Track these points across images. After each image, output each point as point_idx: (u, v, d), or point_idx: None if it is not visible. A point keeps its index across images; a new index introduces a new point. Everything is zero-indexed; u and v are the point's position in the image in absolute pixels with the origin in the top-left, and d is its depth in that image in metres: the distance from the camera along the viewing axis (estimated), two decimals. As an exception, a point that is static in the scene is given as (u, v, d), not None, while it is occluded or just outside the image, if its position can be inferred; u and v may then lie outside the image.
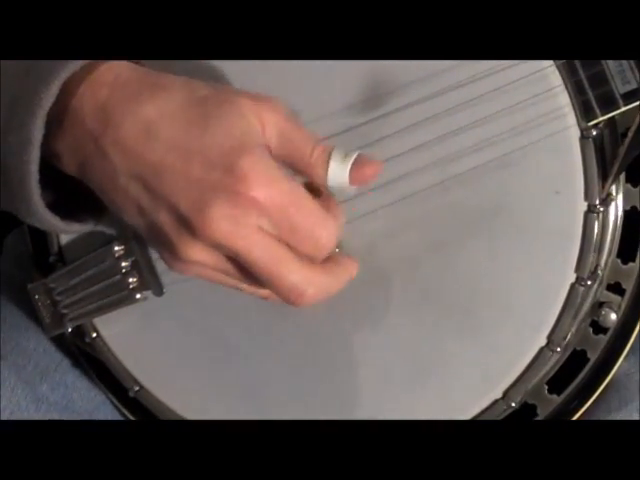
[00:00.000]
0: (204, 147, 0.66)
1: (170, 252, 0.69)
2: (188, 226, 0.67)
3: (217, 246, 0.67)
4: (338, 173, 0.69)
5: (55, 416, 0.86)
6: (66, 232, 0.79)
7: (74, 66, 0.68)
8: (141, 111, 0.68)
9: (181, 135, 0.67)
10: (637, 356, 0.84)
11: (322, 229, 0.67)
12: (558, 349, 0.76)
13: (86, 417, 0.88)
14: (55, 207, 0.73)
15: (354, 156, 0.69)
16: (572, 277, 0.75)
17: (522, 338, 0.76)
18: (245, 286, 0.71)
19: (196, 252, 0.68)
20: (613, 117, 0.72)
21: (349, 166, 0.69)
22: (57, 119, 0.69)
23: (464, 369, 0.78)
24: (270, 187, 0.66)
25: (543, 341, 0.76)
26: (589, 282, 0.75)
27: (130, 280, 0.81)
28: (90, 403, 0.89)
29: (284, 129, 0.69)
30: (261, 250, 0.67)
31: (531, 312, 0.75)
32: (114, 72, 0.69)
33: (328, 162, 0.69)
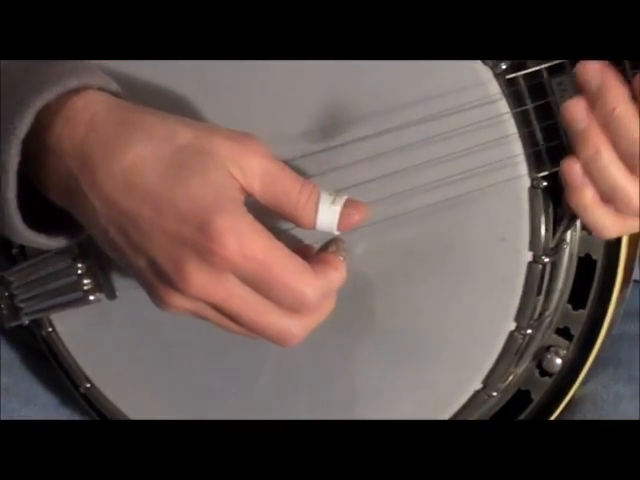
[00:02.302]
0: (177, 199, 0.66)
1: (152, 294, 0.70)
2: (166, 279, 0.67)
3: (196, 299, 0.67)
4: (327, 220, 0.68)
5: (16, 407, 0.88)
6: (51, 248, 0.77)
7: (47, 96, 0.68)
8: (117, 157, 0.67)
9: (156, 185, 0.66)
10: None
11: (302, 285, 0.66)
12: (494, 393, 0.76)
13: (52, 410, 0.90)
14: (39, 220, 0.72)
15: (342, 201, 0.68)
16: (511, 325, 0.74)
17: (458, 380, 0.76)
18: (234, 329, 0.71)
19: (176, 300, 0.68)
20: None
21: (338, 213, 0.68)
22: (38, 152, 0.69)
23: (402, 402, 0.78)
24: (243, 245, 0.65)
25: (478, 385, 0.76)
26: (529, 331, 0.75)
27: (85, 282, 0.82)
28: (56, 397, 0.91)
29: (267, 172, 0.68)
30: (240, 302, 0.67)
31: (468, 355, 0.75)
32: (91, 110, 0.69)
33: (316, 208, 0.68)
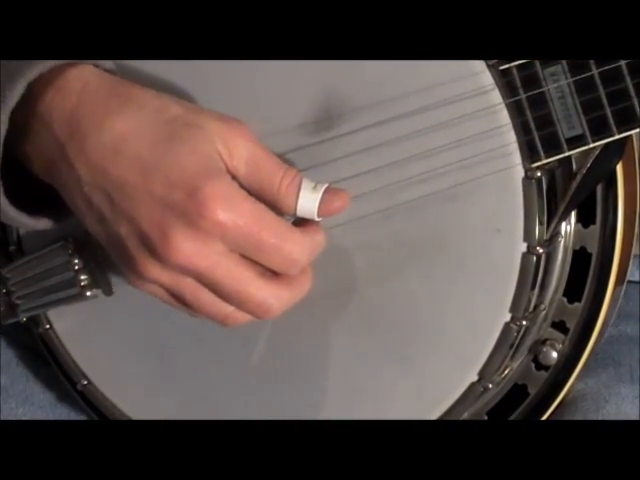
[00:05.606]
0: (167, 166, 0.67)
1: (129, 267, 0.70)
2: (149, 246, 0.67)
3: (179, 268, 0.67)
4: (307, 205, 0.69)
5: (12, 407, 0.88)
6: (31, 228, 0.79)
7: (41, 67, 0.69)
8: (108, 124, 0.68)
9: (145, 152, 0.67)
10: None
11: (291, 245, 0.68)
12: (490, 386, 0.76)
13: (48, 408, 0.90)
14: (19, 200, 0.73)
15: (323, 188, 0.69)
16: (507, 316, 0.74)
17: (454, 372, 0.76)
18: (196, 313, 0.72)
19: (155, 271, 0.68)
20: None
21: (319, 199, 0.69)
22: (26, 122, 0.70)
23: (398, 394, 0.78)
24: (233, 210, 0.66)
25: (474, 377, 0.76)
26: (524, 322, 0.75)
27: (82, 277, 0.82)
28: (52, 395, 0.91)
29: (253, 156, 0.69)
30: (225, 270, 0.68)
31: (464, 347, 0.75)
32: (83, 80, 0.70)
33: (298, 194, 0.69)
